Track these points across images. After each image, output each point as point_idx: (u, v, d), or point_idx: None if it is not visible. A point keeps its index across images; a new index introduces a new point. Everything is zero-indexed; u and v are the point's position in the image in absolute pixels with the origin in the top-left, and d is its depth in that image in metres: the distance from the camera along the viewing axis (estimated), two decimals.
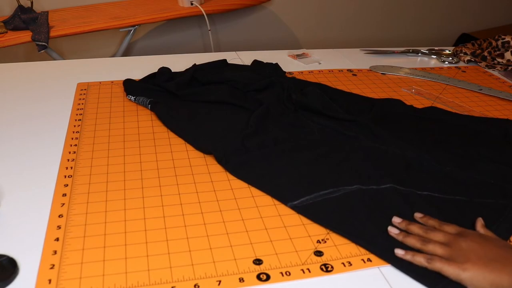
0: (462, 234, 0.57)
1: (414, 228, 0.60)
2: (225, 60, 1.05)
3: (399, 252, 0.57)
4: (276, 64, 1.06)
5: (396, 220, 0.61)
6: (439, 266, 0.54)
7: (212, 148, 0.74)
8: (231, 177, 0.70)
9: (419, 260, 0.55)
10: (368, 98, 0.97)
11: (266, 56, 1.10)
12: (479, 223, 0.60)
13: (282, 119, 0.84)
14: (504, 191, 0.68)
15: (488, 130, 0.85)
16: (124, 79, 0.96)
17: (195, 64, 1.00)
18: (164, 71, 0.96)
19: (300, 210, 0.63)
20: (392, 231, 0.60)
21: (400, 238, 0.59)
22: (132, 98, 0.90)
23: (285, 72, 1.05)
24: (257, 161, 0.72)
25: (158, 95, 0.90)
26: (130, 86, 0.93)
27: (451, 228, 0.59)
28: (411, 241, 0.58)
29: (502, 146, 0.80)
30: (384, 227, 0.60)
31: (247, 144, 0.75)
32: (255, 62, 1.06)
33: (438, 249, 0.55)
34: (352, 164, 0.73)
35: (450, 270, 0.53)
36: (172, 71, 0.98)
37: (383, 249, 0.57)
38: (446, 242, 0.56)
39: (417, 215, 0.62)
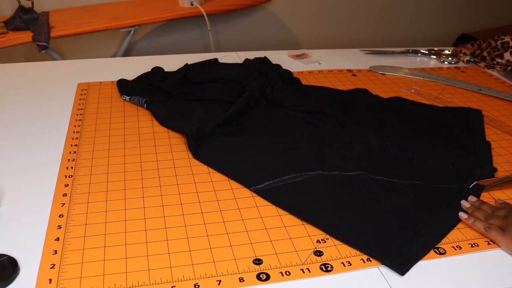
0: None
1: (485, 207, 0.65)
2: (216, 59, 1.06)
3: (463, 215, 0.63)
4: (265, 57, 1.07)
5: (471, 198, 0.66)
6: (494, 234, 0.59)
7: (187, 130, 0.76)
8: None
9: (479, 226, 0.61)
10: (338, 91, 1.00)
11: (266, 56, 1.11)
12: None
13: (254, 110, 0.86)
14: (461, 176, 0.71)
15: (449, 119, 0.89)
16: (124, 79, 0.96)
17: (187, 64, 1.00)
18: (157, 71, 0.97)
19: (263, 193, 0.66)
20: (464, 204, 0.65)
21: (470, 211, 0.64)
22: (127, 98, 0.91)
23: (274, 64, 1.04)
24: (223, 147, 0.75)
25: (153, 94, 0.91)
26: (124, 86, 0.94)
27: None
28: (478, 214, 0.63)
29: (461, 133, 0.85)
30: (343, 210, 0.63)
31: (217, 131, 0.78)
32: (246, 60, 1.07)
33: (497, 221, 0.60)
34: (316, 151, 0.75)
35: (503, 240, 0.58)
36: (169, 71, 0.99)
37: (338, 228, 0.59)
38: (505, 215, 0.61)
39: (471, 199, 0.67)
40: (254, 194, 0.66)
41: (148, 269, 0.53)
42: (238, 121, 0.82)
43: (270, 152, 0.75)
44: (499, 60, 1.18)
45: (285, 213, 0.63)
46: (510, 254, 0.58)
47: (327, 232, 0.59)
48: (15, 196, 0.64)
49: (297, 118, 0.84)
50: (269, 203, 0.64)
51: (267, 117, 0.85)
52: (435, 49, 1.27)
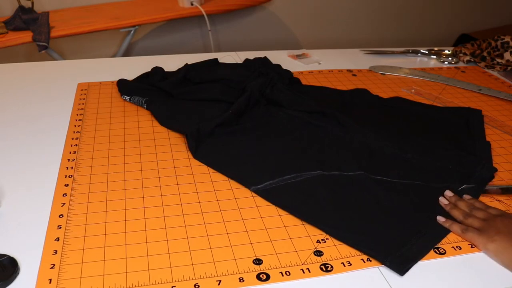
0: (502, 214, 0.61)
1: (462, 204, 0.64)
2: (216, 59, 1.06)
3: (440, 219, 0.62)
4: (265, 57, 1.07)
5: (448, 193, 0.66)
6: (470, 235, 0.58)
7: (187, 130, 0.76)
8: None
9: (456, 229, 0.60)
10: (338, 91, 1.00)
11: (266, 56, 1.11)
12: None
13: (254, 110, 0.87)
14: (460, 176, 0.71)
15: (448, 119, 0.89)
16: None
17: (187, 64, 1.00)
18: (157, 71, 0.97)
19: (263, 193, 0.66)
20: (442, 201, 0.65)
21: (447, 208, 0.64)
22: (127, 98, 0.91)
23: (274, 64, 1.04)
24: (223, 147, 0.75)
25: (153, 94, 0.91)
26: (124, 86, 0.94)
27: (494, 210, 0.63)
28: (455, 213, 0.63)
29: (461, 133, 0.85)
30: (343, 210, 0.63)
31: (217, 131, 0.78)
32: (246, 60, 1.07)
33: (475, 223, 0.60)
34: (316, 151, 0.76)
35: (479, 240, 0.57)
36: (169, 71, 0.99)
37: (338, 228, 0.60)
38: (484, 218, 0.60)
39: (466, 196, 0.66)
40: (254, 194, 0.66)
41: (148, 269, 0.53)
42: (238, 121, 0.82)
43: (270, 152, 0.75)
44: (499, 60, 1.18)
45: (285, 213, 0.63)
46: (486, 254, 0.57)
47: (327, 232, 0.59)
48: (15, 196, 0.64)
49: (297, 118, 0.84)
50: (269, 203, 0.64)
51: (267, 117, 0.85)
52: (435, 49, 1.27)
